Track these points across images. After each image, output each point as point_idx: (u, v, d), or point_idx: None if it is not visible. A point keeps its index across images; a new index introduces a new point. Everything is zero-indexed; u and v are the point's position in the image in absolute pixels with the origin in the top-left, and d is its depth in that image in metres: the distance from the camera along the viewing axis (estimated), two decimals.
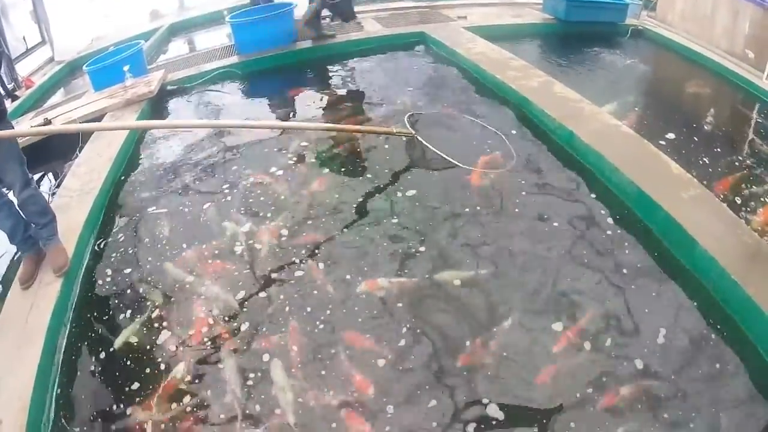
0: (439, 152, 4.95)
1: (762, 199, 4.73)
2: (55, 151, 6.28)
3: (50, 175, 6.41)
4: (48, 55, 11.27)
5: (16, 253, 4.44)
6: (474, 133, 5.55)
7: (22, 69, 9.79)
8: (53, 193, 5.36)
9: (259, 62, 8.22)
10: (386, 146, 5.49)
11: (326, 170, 5.15)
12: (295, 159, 5.37)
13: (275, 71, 8.15)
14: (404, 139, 5.38)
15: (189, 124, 5.82)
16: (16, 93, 8.72)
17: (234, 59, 8.34)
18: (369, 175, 5.03)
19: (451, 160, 4.89)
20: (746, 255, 3.65)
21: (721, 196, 4.62)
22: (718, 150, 5.56)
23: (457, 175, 4.86)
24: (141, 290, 3.94)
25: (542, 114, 5.60)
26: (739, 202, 4.65)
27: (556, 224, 4.22)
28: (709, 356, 3.17)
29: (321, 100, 6.97)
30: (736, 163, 5.36)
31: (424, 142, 5.13)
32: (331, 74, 7.91)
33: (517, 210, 4.41)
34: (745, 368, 3.08)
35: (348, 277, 3.82)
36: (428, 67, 7.72)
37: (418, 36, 8.71)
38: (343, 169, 5.18)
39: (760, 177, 5.13)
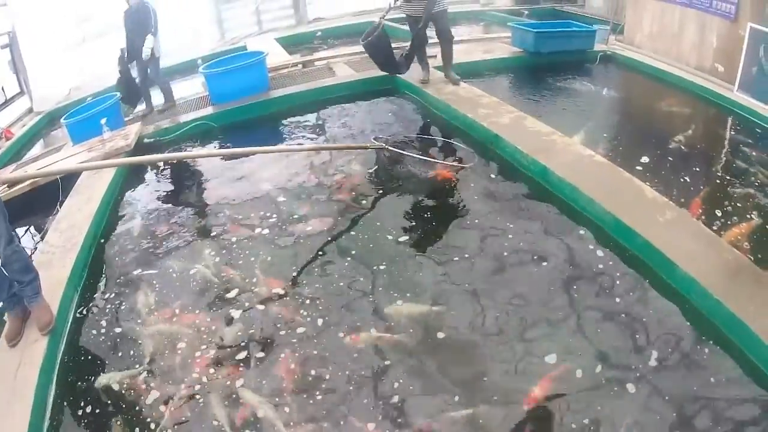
0: (409, 153, 5.79)
1: (740, 213, 4.77)
2: (35, 205, 6.28)
3: (32, 228, 6.38)
4: (27, 105, 11.25)
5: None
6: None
7: (1, 120, 9.83)
8: (35, 248, 5.41)
9: (235, 113, 8.21)
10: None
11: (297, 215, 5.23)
12: (276, 214, 5.37)
13: (251, 121, 8.16)
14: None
15: (173, 156, 5.72)
16: None
17: (209, 110, 8.34)
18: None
19: (420, 157, 5.73)
20: (727, 272, 3.69)
21: (699, 215, 4.69)
22: (694, 168, 5.63)
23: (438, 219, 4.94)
24: (126, 347, 3.93)
25: (515, 150, 5.65)
26: (717, 217, 4.69)
27: (535, 258, 4.24)
28: (702, 377, 3.19)
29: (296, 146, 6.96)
30: (713, 179, 5.44)
31: (394, 149, 5.83)
32: (305, 120, 7.91)
33: (494, 248, 4.42)
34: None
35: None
36: (400, 110, 7.77)
37: (389, 80, 8.67)
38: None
39: (737, 190, 5.18)
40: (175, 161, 6.64)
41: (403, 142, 6.33)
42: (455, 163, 5.83)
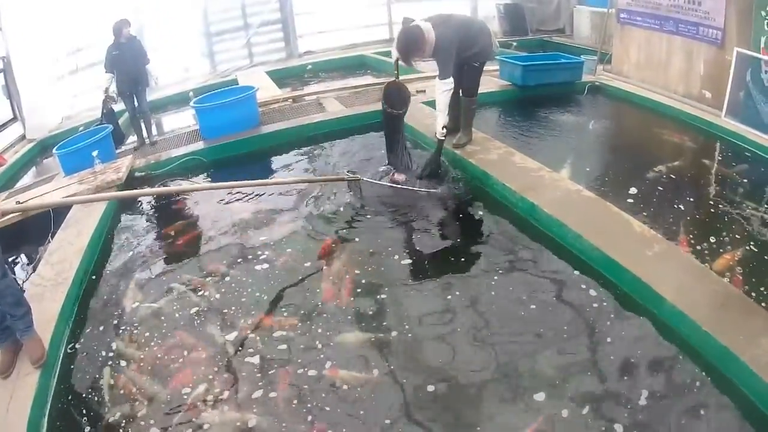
0: (385, 183, 5.93)
1: (729, 242, 4.80)
2: (26, 235, 6.30)
3: (22, 257, 6.39)
4: (20, 132, 11.31)
5: None
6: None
7: None
8: (26, 279, 5.40)
9: (225, 148, 8.24)
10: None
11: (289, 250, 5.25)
12: (266, 252, 5.37)
13: (241, 156, 8.18)
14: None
15: (176, 190, 5.68)
16: None
17: (200, 144, 8.38)
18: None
19: (395, 185, 5.86)
20: (716, 304, 3.70)
21: (688, 246, 4.71)
22: (683, 197, 5.65)
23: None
24: (118, 382, 3.91)
25: (503, 188, 5.67)
26: (706, 248, 4.70)
27: (524, 298, 4.22)
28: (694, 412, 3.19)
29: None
30: (701, 209, 5.47)
31: (370, 180, 5.96)
32: (295, 155, 7.92)
33: (482, 286, 4.42)
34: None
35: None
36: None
37: (378, 115, 8.67)
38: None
39: (726, 219, 5.22)
40: (163, 195, 6.62)
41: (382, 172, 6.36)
42: (430, 189, 5.90)
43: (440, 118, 6.18)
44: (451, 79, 6.06)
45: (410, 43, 5.94)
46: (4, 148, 10.49)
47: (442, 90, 6.07)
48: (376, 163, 6.97)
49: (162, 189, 6.71)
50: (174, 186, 6.99)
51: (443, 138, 6.20)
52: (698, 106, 8.10)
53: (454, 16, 6.37)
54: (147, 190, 6.55)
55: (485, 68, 6.69)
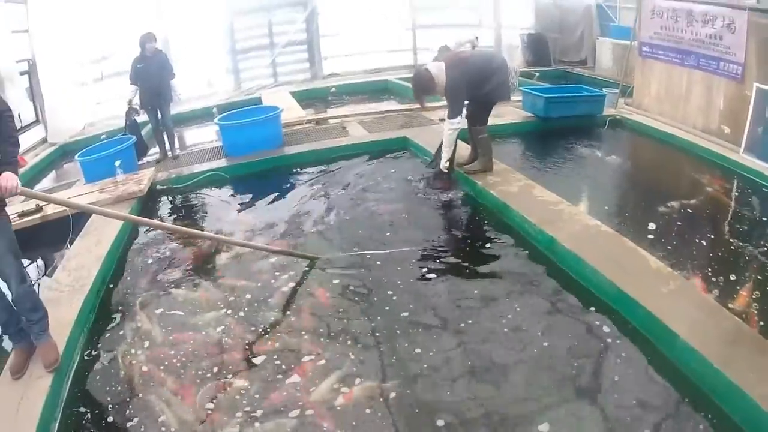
0: (363, 252, 5.55)
1: (745, 280, 4.81)
2: (45, 238, 6.40)
3: (38, 261, 6.50)
4: (41, 135, 11.41)
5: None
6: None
7: None
8: (40, 283, 5.55)
9: (248, 166, 8.35)
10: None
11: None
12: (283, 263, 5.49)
13: (263, 175, 8.26)
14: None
15: (181, 230, 5.72)
16: None
17: (223, 162, 8.52)
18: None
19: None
20: (728, 341, 3.73)
21: (703, 283, 4.74)
22: (699, 233, 5.69)
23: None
24: (132, 392, 3.96)
25: (522, 220, 5.74)
26: (722, 285, 4.72)
27: (539, 334, 4.22)
28: None
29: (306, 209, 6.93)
30: (718, 245, 5.51)
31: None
32: (317, 178, 7.95)
33: (495, 319, 4.43)
34: None
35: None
36: (411, 173, 7.75)
37: (401, 141, 8.87)
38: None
39: (742, 256, 5.24)
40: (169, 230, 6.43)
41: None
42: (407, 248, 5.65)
43: (445, 154, 6.65)
44: (459, 119, 6.43)
45: (419, 87, 6.48)
46: (25, 149, 10.48)
47: (449, 128, 6.49)
48: (399, 190, 7.11)
49: (167, 225, 6.50)
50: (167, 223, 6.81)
51: (446, 171, 6.75)
52: (717, 141, 8.13)
53: (472, 56, 6.68)
54: (163, 224, 6.42)
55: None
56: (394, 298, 4.83)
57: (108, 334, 4.68)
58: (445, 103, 6.68)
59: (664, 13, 9.02)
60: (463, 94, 6.37)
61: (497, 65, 6.50)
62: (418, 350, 4.14)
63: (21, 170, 8.80)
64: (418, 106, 7.63)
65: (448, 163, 6.64)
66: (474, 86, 6.35)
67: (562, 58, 15.95)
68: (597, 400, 3.57)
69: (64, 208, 6.25)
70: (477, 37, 8.82)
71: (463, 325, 4.40)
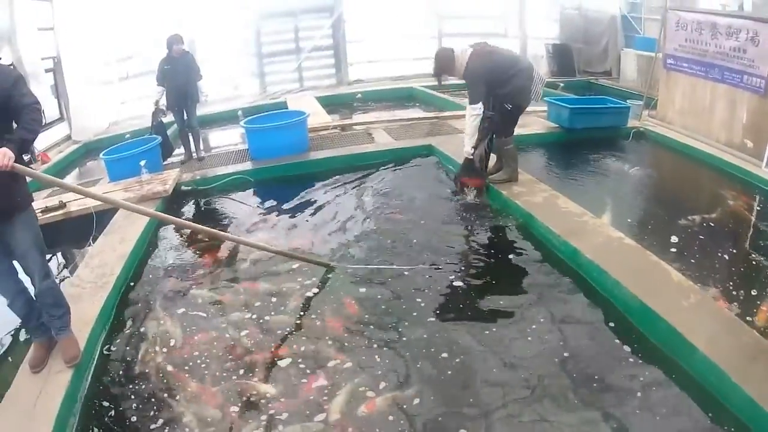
0: (380, 266, 5.54)
1: (765, 296, 4.82)
2: (68, 234, 6.55)
3: (59, 256, 6.67)
4: (65, 132, 11.60)
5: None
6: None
7: (39, 143, 9.94)
8: (64, 279, 5.65)
9: (273, 170, 8.48)
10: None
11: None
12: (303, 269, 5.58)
13: (288, 179, 8.35)
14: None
15: (205, 230, 5.77)
16: (32, 166, 8.92)
17: (248, 165, 8.67)
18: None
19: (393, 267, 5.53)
20: (747, 356, 3.77)
21: (724, 298, 4.77)
22: (721, 248, 5.71)
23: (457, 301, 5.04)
24: (152, 392, 4.02)
25: (546, 230, 5.82)
26: (743, 300, 4.75)
27: (561, 344, 4.28)
28: None
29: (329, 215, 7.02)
30: (739, 260, 5.53)
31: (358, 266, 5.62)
32: (342, 184, 8.02)
33: (519, 330, 4.49)
34: None
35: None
36: (437, 180, 7.92)
37: (426, 149, 8.96)
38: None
39: (764, 270, 5.28)
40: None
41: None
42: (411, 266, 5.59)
43: (467, 140, 6.71)
44: (480, 105, 6.46)
45: (439, 64, 6.65)
46: (48, 146, 10.76)
47: (471, 114, 6.55)
48: (423, 198, 7.21)
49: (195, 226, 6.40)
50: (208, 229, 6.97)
51: (471, 157, 6.76)
52: (739, 155, 8.13)
53: (498, 52, 6.73)
54: (186, 222, 6.37)
55: (533, 109, 6.89)
56: (418, 305, 4.91)
57: (129, 332, 4.78)
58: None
59: (689, 26, 9.02)
60: (482, 85, 6.48)
61: (521, 68, 6.60)
62: (444, 354, 4.21)
63: (44, 167, 9.19)
64: (443, 114, 7.70)
65: (473, 149, 6.71)
66: (494, 82, 6.46)
67: (587, 69, 15.92)
68: (616, 415, 3.60)
69: (88, 205, 6.47)
70: None
71: (487, 332, 4.46)
